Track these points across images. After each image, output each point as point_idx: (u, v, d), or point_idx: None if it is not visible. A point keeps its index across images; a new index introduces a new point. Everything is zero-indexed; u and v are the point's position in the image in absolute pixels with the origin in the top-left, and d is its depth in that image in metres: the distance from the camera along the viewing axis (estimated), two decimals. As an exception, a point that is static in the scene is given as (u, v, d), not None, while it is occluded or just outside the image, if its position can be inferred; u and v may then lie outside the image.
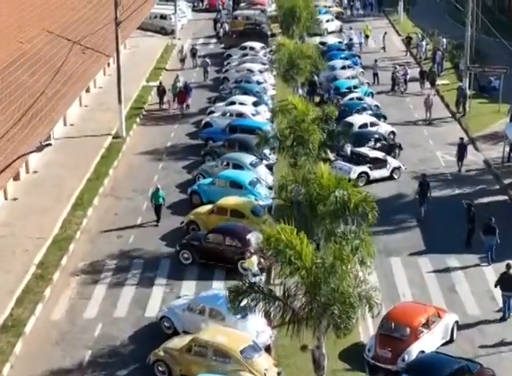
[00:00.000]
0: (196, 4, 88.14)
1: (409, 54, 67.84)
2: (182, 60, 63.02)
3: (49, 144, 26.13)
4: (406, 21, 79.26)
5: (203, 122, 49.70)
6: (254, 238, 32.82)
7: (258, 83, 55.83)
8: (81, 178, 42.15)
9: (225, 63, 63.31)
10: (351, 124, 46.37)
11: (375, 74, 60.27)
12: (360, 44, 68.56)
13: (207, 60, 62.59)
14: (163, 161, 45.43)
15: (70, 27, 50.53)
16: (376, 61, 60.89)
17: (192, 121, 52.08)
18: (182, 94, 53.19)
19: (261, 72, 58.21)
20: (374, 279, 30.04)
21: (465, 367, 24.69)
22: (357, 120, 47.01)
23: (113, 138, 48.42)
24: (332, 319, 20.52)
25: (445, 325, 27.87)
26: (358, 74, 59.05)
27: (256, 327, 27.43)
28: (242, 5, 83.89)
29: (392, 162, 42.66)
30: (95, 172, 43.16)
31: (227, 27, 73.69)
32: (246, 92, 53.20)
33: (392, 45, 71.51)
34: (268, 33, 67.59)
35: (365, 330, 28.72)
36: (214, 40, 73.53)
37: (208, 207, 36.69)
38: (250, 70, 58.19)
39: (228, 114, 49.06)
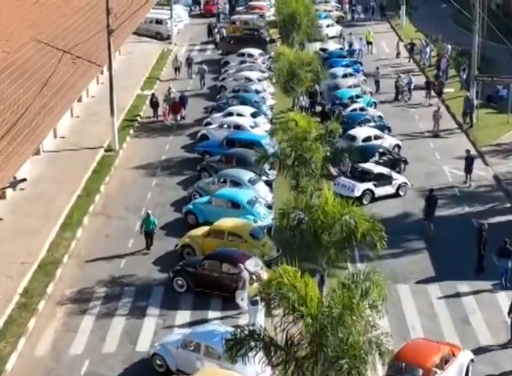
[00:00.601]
0: (193, 8, 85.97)
1: (412, 60, 65.71)
2: (177, 69, 60.76)
3: (24, 179, 24.09)
4: (409, 26, 77.14)
5: (199, 134, 47.63)
6: (252, 265, 30.80)
7: (257, 92, 53.75)
8: (71, 195, 40.05)
9: (223, 70, 61.22)
10: (354, 138, 44.35)
11: (377, 82, 58.24)
12: (360, 50, 66.32)
13: (204, 67, 60.51)
14: (157, 177, 43.33)
15: (60, 36, 48.32)
16: (377, 68, 58.84)
17: (187, 133, 49.99)
18: (177, 105, 51.13)
19: (259, 80, 56.12)
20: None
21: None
22: (360, 133, 44.95)
23: (106, 151, 46.32)
24: (340, 374, 18.38)
25: (459, 365, 25.76)
26: (361, 82, 57.00)
27: (256, 368, 25.28)
28: (240, 9, 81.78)
29: (398, 178, 40.56)
30: (85, 189, 41.05)
31: (224, 32, 71.53)
32: (244, 102, 51.11)
33: (394, 50, 69.34)
34: (267, 39, 65.31)
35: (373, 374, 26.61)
36: (211, 46, 71.37)
37: (204, 229, 34.58)
38: (249, 79, 56.08)
39: (225, 126, 47.00)
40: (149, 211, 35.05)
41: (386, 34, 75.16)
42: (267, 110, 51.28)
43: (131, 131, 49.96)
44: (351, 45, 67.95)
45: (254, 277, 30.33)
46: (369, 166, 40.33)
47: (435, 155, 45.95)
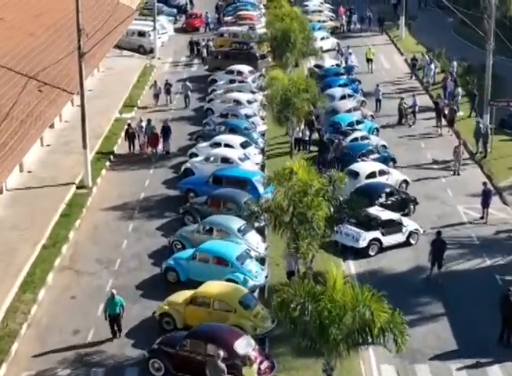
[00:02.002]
0: (178, 18, 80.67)
1: (414, 77, 60.68)
2: (156, 96, 54.91)
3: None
4: (408, 37, 72.10)
5: (182, 168, 42.57)
6: (243, 345, 25.79)
7: (247, 117, 48.69)
8: (35, 246, 34.96)
9: (210, 89, 56.15)
10: (356, 174, 39.42)
11: (377, 101, 53.37)
12: (354, 67, 61.09)
13: (189, 85, 55.41)
14: (134, 220, 38.25)
15: (26, 58, 42.92)
16: (378, 86, 53.93)
17: (170, 164, 44.90)
18: (156, 137, 45.75)
19: (249, 103, 51.08)
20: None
21: None
22: (363, 168, 39.98)
23: (78, 188, 41.21)
24: None
25: None
26: (360, 103, 52.04)
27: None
28: (228, 19, 76.63)
29: (409, 225, 35.56)
30: (52, 237, 35.94)
31: (211, 45, 66.40)
32: (233, 129, 46.06)
33: (395, 67, 64.54)
34: (258, 54, 60.05)
35: None
36: (197, 60, 66.01)
37: (186, 294, 29.49)
38: (238, 102, 51.02)
39: (212, 159, 41.97)
40: (114, 291, 29.16)
41: (385, 47, 70.16)
42: (258, 138, 46.26)
43: (107, 163, 44.83)
44: (347, 58, 62.84)
45: (245, 362, 25.35)
46: (376, 211, 35.30)
47: (447, 192, 40.99)
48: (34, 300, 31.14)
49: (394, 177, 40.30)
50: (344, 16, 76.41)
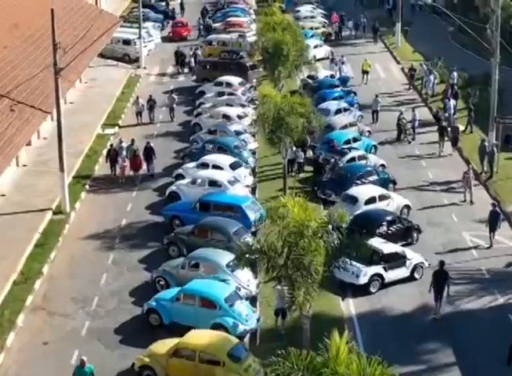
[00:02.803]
0: (165, 24, 77.54)
1: (412, 88, 57.80)
2: (139, 114, 51.11)
3: None
4: (404, 45, 69.16)
5: (167, 192, 39.62)
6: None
7: (237, 133, 45.78)
8: (5, 282, 31.98)
9: (197, 102, 53.22)
10: (355, 199, 36.60)
11: (374, 112, 50.67)
12: (349, 78, 58.17)
13: (174, 96, 52.42)
14: (114, 250, 35.28)
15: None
16: (376, 96, 51.15)
17: (154, 186, 41.95)
18: (137, 159, 42.43)
19: (240, 117, 48.16)
20: None
21: None
22: (362, 193, 37.12)
23: (54, 213, 38.24)
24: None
25: None
26: (357, 118, 49.17)
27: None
28: (217, 25, 73.69)
29: (413, 258, 32.65)
30: (24, 271, 32.94)
31: (200, 53, 63.43)
32: (222, 148, 43.14)
33: (391, 77, 61.65)
34: (248, 64, 56.99)
35: None
36: (186, 70, 62.81)
37: (169, 343, 26.55)
38: (227, 117, 48.11)
39: (199, 181, 39.05)
40: (85, 358, 25.40)
41: (380, 55, 67.22)
42: (249, 157, 43.36)
43: (87, 186, 41.85)
44: (340, 68, 59.95)
45: None
46: (378, 243, 32.35)
47: (452, 217, 38.09)
48: (1, 346, 28.16)
49: (395, 202, 37.43)
50: (336, 23, 73.42)
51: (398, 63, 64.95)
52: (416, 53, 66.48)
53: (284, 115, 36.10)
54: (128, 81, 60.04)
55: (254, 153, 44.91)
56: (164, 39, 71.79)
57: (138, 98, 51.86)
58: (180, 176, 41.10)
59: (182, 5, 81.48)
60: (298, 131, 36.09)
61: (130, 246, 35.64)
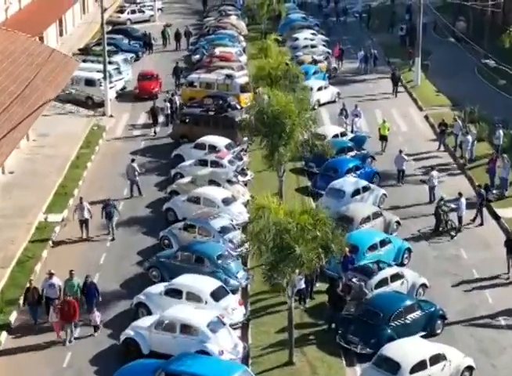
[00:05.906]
0: (141, 55, 65.38)
1: (443, 147, 45.93)
2: (84, 225, 35.43)
3: None
4: (425, 84, 57.38)
5: (121, 338, 27.64)
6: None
7: (222, 231, 33.73)
8: None
9: (172, 172, 41.39)
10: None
11: (400, 172, 41.13)
12: (365, 137, 46.22)
13: (135, 167, 40.24)
14: None
15: None
16: (400, 152, 41.36)
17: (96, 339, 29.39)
18: (71, 305, 27.89)
19: (226, 203, 36.28)
20: None
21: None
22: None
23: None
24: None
25: None
26: (379, 199, 37.62)
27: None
28: (196, 56, 61.63)
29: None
30: None
31: (177, 100, 51.42)
32: (200, 258, 31.17)
33: (414, 129, 49.96)
34: (238, 119, 44.35)
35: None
36: (160, 117, 50.33)
37: None
38: (211, 201, 36.24)
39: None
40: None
41: (398, 98, 55.38)
42: (238, 271, 31.32)
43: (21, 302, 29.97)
44: (353, 120, 48.13)
45: None
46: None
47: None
48: None
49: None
50: (334, 58, 61.75)
51: (420, 108, 53.19)
52: (441, 95, 54.98)
53: (290, 240, 24.04)
54: (87, 136, 48.12)
55: (245, 264, 32.88)
56: (127, 98, 55.29)
57: (81, 200, 36.19)
58: (142, 305, 29.15)
59: (164, 33, 69.08)
60: (312, 265, 24.11)
61: None
